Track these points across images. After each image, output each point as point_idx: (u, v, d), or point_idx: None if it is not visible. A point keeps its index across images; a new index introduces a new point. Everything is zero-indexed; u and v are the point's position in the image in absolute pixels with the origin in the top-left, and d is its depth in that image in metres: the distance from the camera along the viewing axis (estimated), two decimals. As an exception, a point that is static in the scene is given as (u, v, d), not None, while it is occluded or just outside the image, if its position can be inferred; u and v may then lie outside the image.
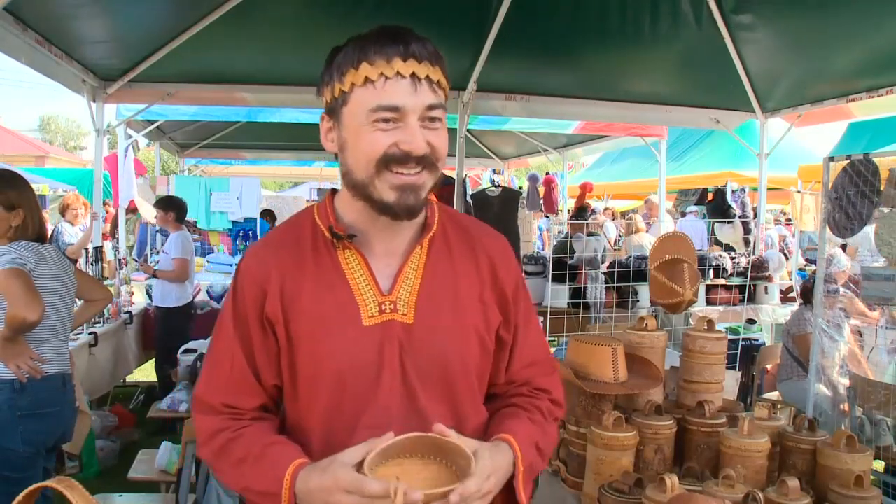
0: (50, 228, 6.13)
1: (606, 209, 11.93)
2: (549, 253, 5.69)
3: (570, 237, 5.47)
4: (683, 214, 9.47)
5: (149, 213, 7.78)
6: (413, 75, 1.15)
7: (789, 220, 11.76)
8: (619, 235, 9.79)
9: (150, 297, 6.10)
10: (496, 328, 1.31)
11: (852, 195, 3.37)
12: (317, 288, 1.23)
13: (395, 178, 1.17)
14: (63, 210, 7.13)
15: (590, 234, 5.64)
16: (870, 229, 3.45)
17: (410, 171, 1.17)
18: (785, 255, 7.62)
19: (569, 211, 10.62)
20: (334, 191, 1.33)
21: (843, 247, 5.91)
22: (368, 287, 1.24)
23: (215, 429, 1.24)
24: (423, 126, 1.17)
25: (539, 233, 10.52)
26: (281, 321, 1.23)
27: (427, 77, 1.17)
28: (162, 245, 8.12)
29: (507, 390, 1.37)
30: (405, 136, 1.15)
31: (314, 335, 1.22)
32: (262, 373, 1.26)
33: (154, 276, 5.63)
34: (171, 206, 5.70)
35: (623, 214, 12.25)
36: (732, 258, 5.72)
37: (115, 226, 7.81)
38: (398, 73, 1.14)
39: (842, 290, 4.25)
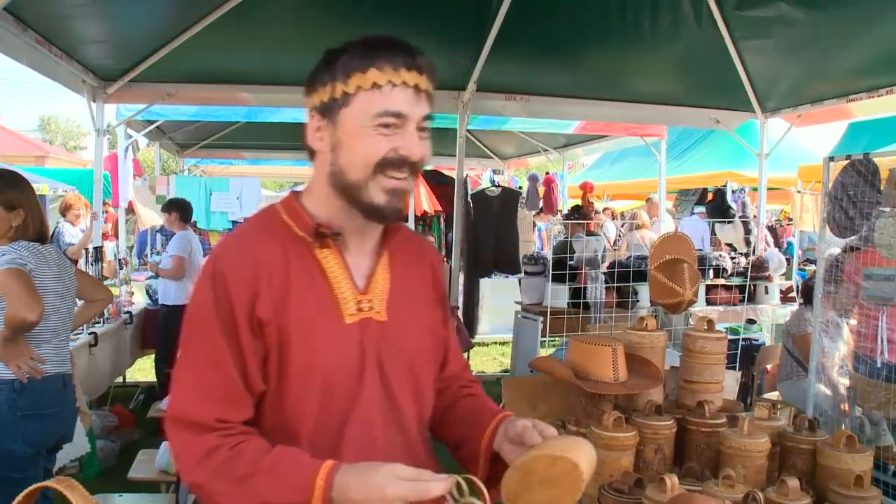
0: (50, 229, 6.11)
1: (606, 209, 11.94)
2: (548, 253, 5.69)
3: (570, 237, 5.47)
4: (691, 213, 9.46)
5: (146, 217, 7.82)
6: (416, 86, 1.22)
7: (779, 221, 11.75)
8: (619, 235, 9.79)
9: (150, 296, 6.15)
10: (442, 324, 1.43)
11: (852, 195, 3.37)
12: (301, 285, 1.24)
13: (387, 182, 1.22)
14: (64, 210, 7.11)
15: (589, 233, 5.64)
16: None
17: (402, 175, 1.23)
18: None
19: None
20: (295, 192, 1.35)
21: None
22: (347, 285, 1.27)
23: (209, 447, 1.16)
24: (417, 135, 1.24)
25: (538, 233, 10.50)
26: (273, 321, 1.20)
27: (426, 90, 1.24)
28: (162, 245, 8.15)
29: (447, 385, 1.47)
30: (405, 142, 1.21)
31: (304, 332, 1.22)
32: (253, 379, 1.21)
33: (157, 274, 5.76)
34: (174, 208, 5.86)
35: (623, 215, 12.26)
36: (732, 258, 5.72)
37: (115, 225, 7.84)
38: (404, 82, 1.20)
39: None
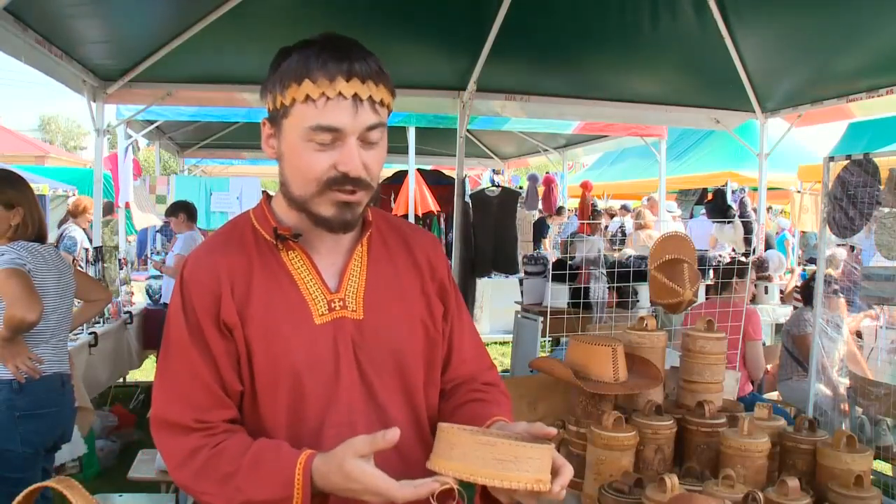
0: (48, 228, 6.04)
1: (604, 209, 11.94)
2: (550, 254, 5.69)
3: (574, 237, 5.47)
4: (691, 215, 9.46)
5: (139, 220, 7.82)
6: (355, 96, 1.15)
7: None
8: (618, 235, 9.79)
9: (150, 296, 6.16)
10: (440, 318, 1.35)
11: (852, 195, 3.37)
12: (266, 290, 1.23)
13: (335, 196, 1.18)
14: (77, 213, 6.73)
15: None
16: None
17: (348, 190, 1.18)
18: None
19: (570, 210, 10.63)
20: (268, 195, 1.34)
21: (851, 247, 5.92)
22: (316, 286, 1.25)
23: (191, 447, 1.17)
24: (361, 146, 1.18)
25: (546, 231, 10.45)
26: (238, 324, 1.21)
27: (370, 97, 1.16)
28: (163, 245, 8.17)
29: (456, 386, 1.39)
30: (342, 157, 1.16)
31: (268, 337, 1.21)
32: (228, 380, 1.22)
33: (162, 271, 5.97)
34: (181, 209, 6.01)
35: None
36: (732, 258, 5.72)
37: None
38: (340, 94, 1.14)
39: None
